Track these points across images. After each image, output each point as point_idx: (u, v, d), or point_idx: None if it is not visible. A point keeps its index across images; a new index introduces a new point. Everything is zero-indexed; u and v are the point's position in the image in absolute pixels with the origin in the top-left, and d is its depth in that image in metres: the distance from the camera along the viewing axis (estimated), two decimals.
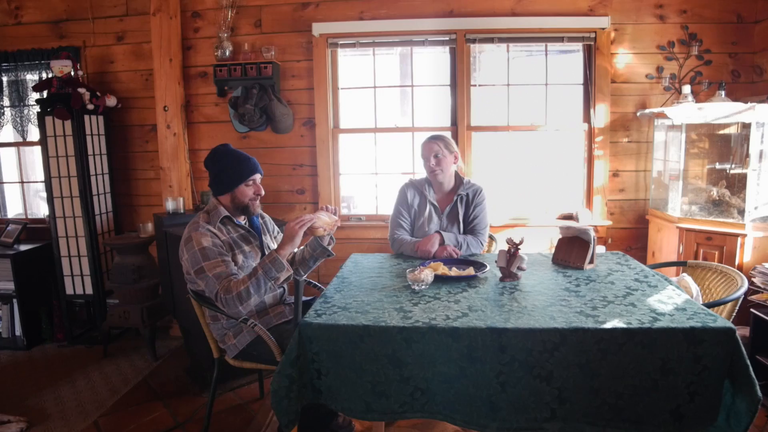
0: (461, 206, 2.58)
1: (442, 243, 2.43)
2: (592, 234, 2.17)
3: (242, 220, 2.21)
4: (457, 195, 2.58)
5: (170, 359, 3.32)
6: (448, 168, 2.57)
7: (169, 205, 3.35)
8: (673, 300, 1.72)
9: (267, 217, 2.41)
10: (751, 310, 2.58)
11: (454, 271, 2.10)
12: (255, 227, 2.25)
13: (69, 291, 3.60)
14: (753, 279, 2.68)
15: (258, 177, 2.16)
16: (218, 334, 2.18)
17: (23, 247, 3.65)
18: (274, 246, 2.32)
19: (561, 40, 3.48)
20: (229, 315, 2.04)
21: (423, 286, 1.92)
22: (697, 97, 3.31)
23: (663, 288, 1.86)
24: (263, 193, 2.18)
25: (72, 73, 3.48)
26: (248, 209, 2.15)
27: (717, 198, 3.10)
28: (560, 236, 2.32)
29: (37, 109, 3.54)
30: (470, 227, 2.57)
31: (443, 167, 2.54)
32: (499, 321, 1.57)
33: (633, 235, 3.63)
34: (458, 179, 2.64)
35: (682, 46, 3.40)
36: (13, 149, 4.08)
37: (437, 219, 2.58)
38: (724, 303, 1.98)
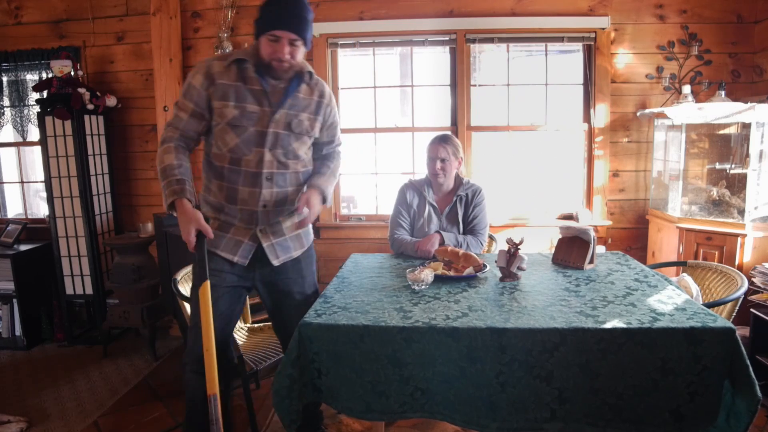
0: (460, 206, 2.58)
1: (442, 243, 2.43)
2: (592, 234, 2.17)
3: (271, 79, 1.79)
4: (456, 195, 2.57)
5: (170, 359, 3.32)
6: (452, 173, 2.57)
7: None
8: (673, 300, 1.72)
9: (329, 100, 1.94)
10: (751, 310, 2.58)
11: (454, 271, 2.10)
12: (284, 95, 1.80)
13: (69, 291, 3.60)
14: (753, 279, 2.68)
15: (286, 36, 1.68)
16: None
17: (23, 247, 3.65)
18: (312, 131, 1.90)
19: (561, 40, 3.48)
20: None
21: (423, 286, 1.92)
22: (697, 97, 3.31)
23: (663, 288, 1.86)
24: (287, 58, 1.71)
25: (72, 73, 3.48)
26: (270, 69, 1.74)
27: (717, 198, 3.10)
28: (560, 236, 2.31)
29: (37, 109, 3.54)
30: (470, 227, 2.57)
31: (447, 172, 2.54)
32: (499, 321, 1.57)
33: (633, 235, 3.63)
34: (458, 180, 2.64)
35: (682, 46, 3.40)
36: (13, 149, 4.07)
37: (437, 219, 2.58)
38: (724, 303, 1.98)
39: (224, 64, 1.76)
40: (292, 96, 1.82)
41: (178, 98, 1.82)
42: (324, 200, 1.90)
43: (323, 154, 2.05)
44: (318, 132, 1.94)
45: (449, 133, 2.61)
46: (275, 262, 1.90)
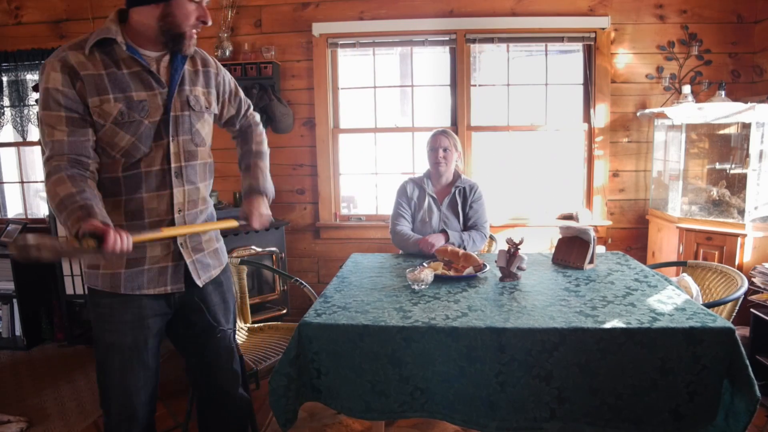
0: (459, 197, 2.65)
1: (447, 241, 2.47)
2: (592, 234, 2.17)
3: (150, 51, 1.45)
4: (455, 187, 2.65)
5: (170, 359, 3.32)
6: (452, 163, 2.66)
7: None
8: (672, 300, 1.72)
9: (216, 68, 1.64)
10: (751, 310, 2.58)
11: (454, 271, 2.10)
12: (173, 71, 1.49)
13: (69, 291, 3.60)
14: (753, 279, 2.68)
15: None
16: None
17: None
18: (210, 107, 1.60)
19: (561, 40, 3.48)
20: None
21: (423, 286, 1.92)
22: (697, 97, 3.31)
23: (663, 288, 1.86)
24: (210, 22, 1.48)
25: None
26: (182, 40, 1.43)
27: (717, 198, 3.10)
28: (560, 236, 2.32)
29: (37, 109, 3.54)
30: (472, 222, 2.63)
31: (448, 161, 2.64)
32: (499, 321, 1.57)
33: (633, 235, 3.63)
34: (456, 174, 2.72)
35: (682, 46, 3.40)
36: (13, 149, 4.08)
37: (437, 210, 2.64)
38: (724, 303, 1.98)
39: (83, 51, 1.37)
40: (182, 69, 1.50)
41: (40, 118, 1.37)
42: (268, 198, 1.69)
43: (238, 129, 1.79)
44: (217, 107, 1.65)
45: (448, 128, 2.70)
46: (200, 283, 1.57)
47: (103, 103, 1.37)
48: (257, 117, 1.83)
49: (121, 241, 1.21)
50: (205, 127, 1.59)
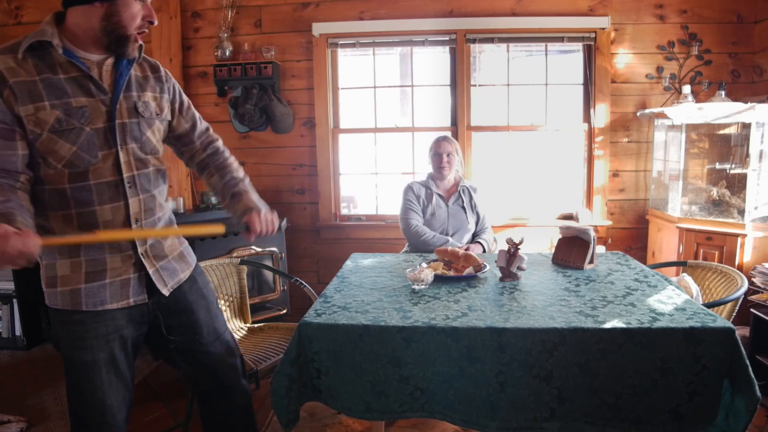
0: (465, 196, 2.81)
1: (484, 250, 2.70)
2: (592, 234, 2.17)
3: (91, 54, 1.37)
4: (460, 187, 2.81)
5: None
6: (454, 167, 2.82)
7: (169, 205, 3.34)
8: (672, 300, 1.72)
9: (165, 74, 1.57)
10: (751, 310, 2.58)
11: (454, 271, 2.10)
12: (117, 76, 1.40)
13: None
14: (753, 279, 2.68)
15: None
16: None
17: None
18: (162, 113, 1.52)
19: (561, 40, 3.48)
20: None
21: (423, 286, 1.92)
22: (697, 97, 3.31)
23: (663, 288, 1.86)
24: (156, 21, 1.41)
25: None
26: (127, 42, 1.36)
27: (717, 198, 3.10)
28: (560, 236, 2.32)
29: None
30: (481, 224, 2.81)
31: (452, 165, 2.80)
32: (499, 321, 1.57)
33: (633, 235, 3.63)
34: (457, 176, 2.87)
35: (682, 46, 3.40)
36: None
37: (444, 206, 2.76)
38: (724, 303, 1.98)
39: (14, 56, 1.28)
40: (127, 74, 1.41)
41: None
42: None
43: (205, 155, 1.68)
44: (169, 114, 1.56)
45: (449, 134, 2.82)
46: (165, 291, 1.51)
47: (39, 111, 1.27)
48: (221, 141, 1.72)
49: (21, 240, 1.10)
50: (156, 136, 1.50)
